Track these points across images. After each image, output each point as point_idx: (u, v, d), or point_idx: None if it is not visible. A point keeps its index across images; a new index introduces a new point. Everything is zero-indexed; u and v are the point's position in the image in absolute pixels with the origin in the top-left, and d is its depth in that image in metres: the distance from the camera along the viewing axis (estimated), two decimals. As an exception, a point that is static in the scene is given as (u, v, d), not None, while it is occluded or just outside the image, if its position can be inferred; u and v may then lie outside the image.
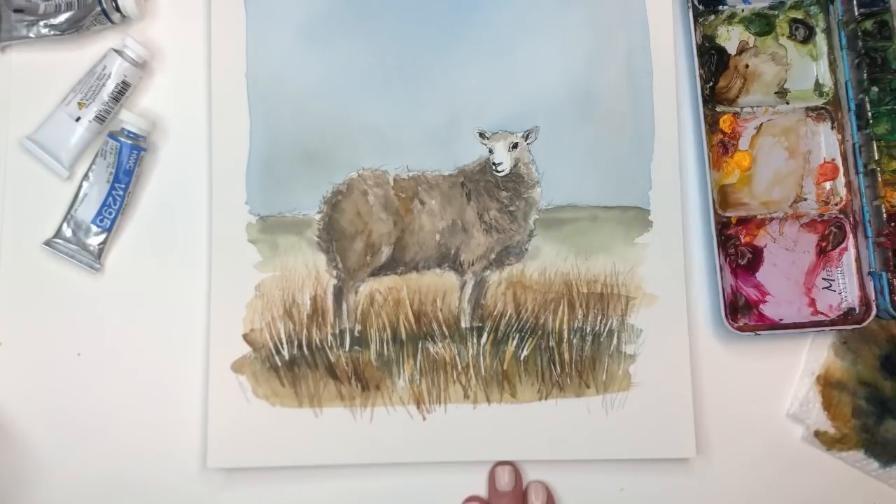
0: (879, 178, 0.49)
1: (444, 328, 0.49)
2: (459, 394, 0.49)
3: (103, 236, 0.49)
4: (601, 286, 0.50)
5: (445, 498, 0.49)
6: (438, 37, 0.51)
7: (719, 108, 0.52)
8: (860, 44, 0.50)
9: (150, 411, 0.49)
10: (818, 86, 0.52)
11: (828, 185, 0.52)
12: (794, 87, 0.53)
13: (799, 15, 0.53)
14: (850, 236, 0.51)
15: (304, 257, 0.49)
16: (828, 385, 0.51)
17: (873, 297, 0.50)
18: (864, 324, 0.49)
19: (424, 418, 0.49)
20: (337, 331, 0.49)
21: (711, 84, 0.52)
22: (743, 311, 0.51)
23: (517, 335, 0.49)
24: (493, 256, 0.50)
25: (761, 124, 0.52)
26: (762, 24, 0.53)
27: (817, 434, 0.50)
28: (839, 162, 0.52)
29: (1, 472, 0.49)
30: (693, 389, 0.49)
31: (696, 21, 0.51)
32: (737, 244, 0.51)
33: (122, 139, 0.48)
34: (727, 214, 0.51)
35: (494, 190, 0.50)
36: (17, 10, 0.49)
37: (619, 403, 0.49)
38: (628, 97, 0.51)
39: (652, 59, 0.51)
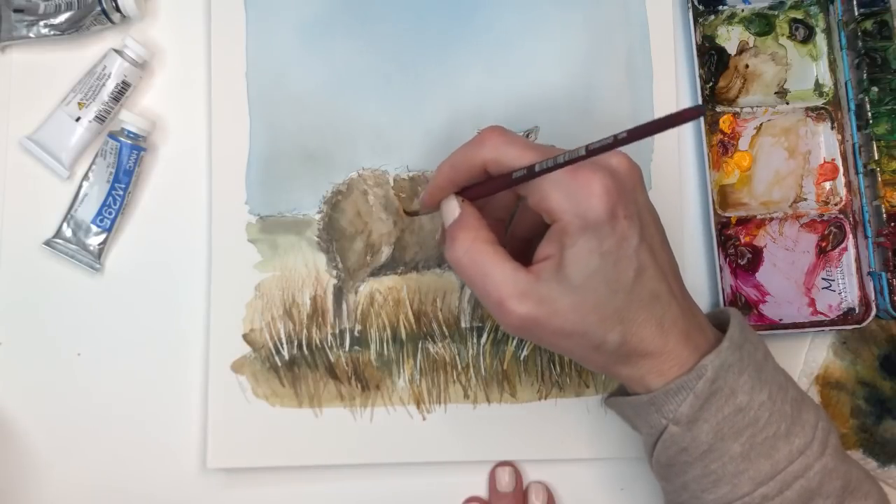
0: (879, 178, 0.49)
1: (444, 328, 0.49)
2: (459, 394, 0.49)
3: (103, 236, 0.49)
4: (601, 286, 0.49)
5: (445, 498, 0.49)
6: (438, 37, 0.51)
7: (719, 108, 0.52)
8: (860, 44, 0.50)
9: (150, 411, 0.49)
10: (818, 86, 0.52)
11: (828, 185, 0.52)
12: (794, 87, 0.53)
13: (799, 15, 0.53)
14: (850, 236, 0.51)
15: (304, 257, 0.49)
16: (827, 385, 0.51)
17: (873, 297, 0.50)
18: (864, 324, 0.49)
19: (424, 418, 0.49)
20: (337, 331, 0.49)
21: (711, 84, 0.52)
22: (743, 311, 0.51)
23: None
24: (493, 256, 0.50)
25: (761, 124, 0.52)
26: (762, 24, 0.53)
27: (817, 434, 0.50)
28: (839, 162, 0.52)
29: (1, 472, 0.49)
30: (693, 389, 0.49)
31: (696, 21, 0.51)
32: (737, 244, 0.51)
33: (122, 139, 0.48)
34: (727, 214, 0.51)
35: (494, 190, 0.50)
36: (17, 10, 0.49)
37: (618, 403, 0.49)
38: (628, 97, 0.51)
39: (652, 60, 0.51)
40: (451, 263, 0.40)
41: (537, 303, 0.37)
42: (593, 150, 0.35)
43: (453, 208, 0.41)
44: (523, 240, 0.43)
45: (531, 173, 0.37)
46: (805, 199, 0.52)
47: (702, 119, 0.50)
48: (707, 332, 0.40)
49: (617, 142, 0.34)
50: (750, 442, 0.38)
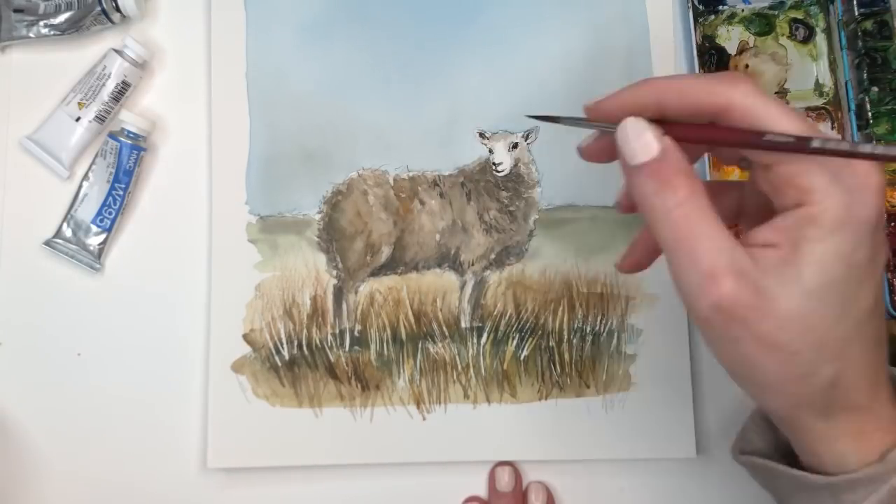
0: (879, 178, 0.49)
1: (444, 328, 0.49)
2: (459, 394, 0.49)
3: (103, 236, 0.49)
4: (601, 286, 0.50)
5: (445, 498, 0.49)
6: (438, 37, 0.51)
7: (719, 108, 0.52)
8: (860, 44, 0.50)
9: (150, 411, 0.49)
10: (818, 86, 0.52)
11: (828, 185, 0.52)
12: (794, 87, 0.52)
13: (799, 15, 0.53)
14: (850, 236, 0.51)
15: (304, 257, 0.49)
16: (828, 385, 0.50)
17: (873, 297, 0.50)
18: (864, 324, 0.49)
19: (424, 418, 0.49)
20: (337, 331, 0.49)
21: (711, 84, 0.52)
22: (743, 311, 0.50)
23: (517, 335, 0.49)
24: (493, 256, 0.50)
25: (761, 124, 0.52)
26: (762, 24, 0.53)
27: (817, 434, 0.50)
28: (839, 162, 0.52)
29: (1, 472, 0.49)
30: (693, 389, 0.49)
31: (696, 21, 0.51)
32: (737, 244, 0.51)
33: (122, 139, 0.48)
34: (727, 214, 0.51)
35: (494, 190, 0.50)
36: (17, 10, 0.49)
37: (619, 403, 0.49)
38: (628, 97, 0.51)
39: (652, 59, 0.51)
40: (654, 213, 0.31)
41: (753, 291, 0.29)
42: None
43: (650, 139, 0.31)
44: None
45: (802, 146, 0.29)
46: (805, 199, 0.52)
47: (702, 119, 0.50)
48: None
49: None
50: None
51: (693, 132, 0.32)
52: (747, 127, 0.30)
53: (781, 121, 0.30)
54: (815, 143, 0.29)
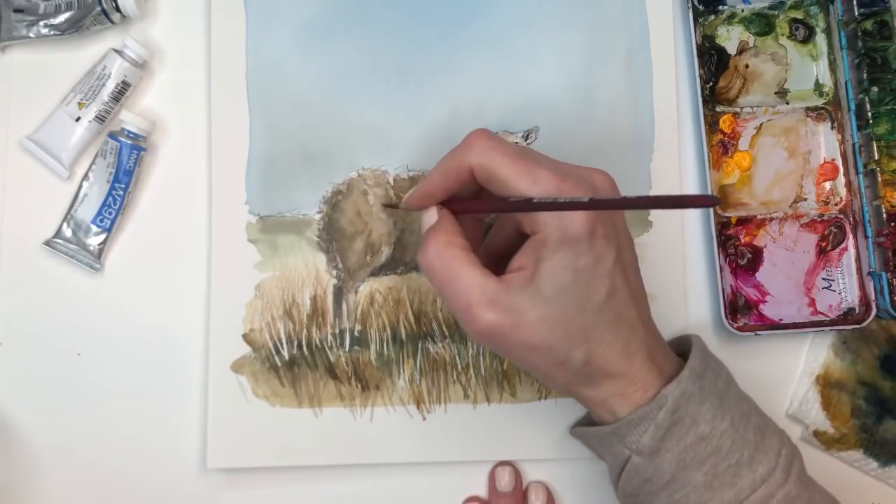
0: (879, 178, 0.49)
1: (444, 328, 0.49)
2: (459, 394, 0.49)
3: (103, 236, 0.49)
4: (601, 286, 0.49)
5: (445, 498, 0.49)
6: (438, 37, 0.51)
7: (719, 108, 0.52)
8: (860, 44, 0.50)
9: (150, 411, 0.49)
10: (818, 86, 0.53)
11: (828, 185, 0.52)
12: (794, 87, 0.53)
13: (799, 15, 0.53)
14: (850, 236, 0.51)
15: (304, 257, 0.49)
16: (827, 385, 0.51)
17: (873, 297, 0.50)
18: (864, 324, 0.49)
19: (424, 418, 0.49)
20: (337, 331, 0.49)
21: (711, 84, 0.52)
22: (743, 311, 0.51)
23: (517, 335, 0.49)
24: (493, 256, 0.50)
25: (761, 124, 0.52)
26: (762, 24, 0.53)
27: (816, 434, 0.50)
28: (839, 162, 0.52)
29: (1, 472, 0.49)
30: (693, 389, 0.49)
31: (696, 21, 0.51)
32: (737, 244, 0.51)
33: (122, 139, 0.48)
34: (727, 214, 0.51)
35: (494, 190, 0.50)
36: (17, 10, 0.49)
37: (618, 403, 0.49)
38: (628, 97, 0.51)
39: (652, 59, 0.51)
40: (422, 267, 0.39)
41: (505, 312, 0.37)
42: (596, 202, 0.36)
43: (432, 215, 0.41)
44: (498, 254, 0.42)
45: (528, 205, 0.37)
46: (805, 199, 0.52)
47: (702, 119, 0.50)
48: (671, 360, 0.41)
49: (625, 202, 0.35)
50: (713, 471, 0.38)
51: (466, 206, 0.41)
52: (489, 177, 0.38)
53: (507, 166, 0.37)
54: (535, 200, 0.37)
